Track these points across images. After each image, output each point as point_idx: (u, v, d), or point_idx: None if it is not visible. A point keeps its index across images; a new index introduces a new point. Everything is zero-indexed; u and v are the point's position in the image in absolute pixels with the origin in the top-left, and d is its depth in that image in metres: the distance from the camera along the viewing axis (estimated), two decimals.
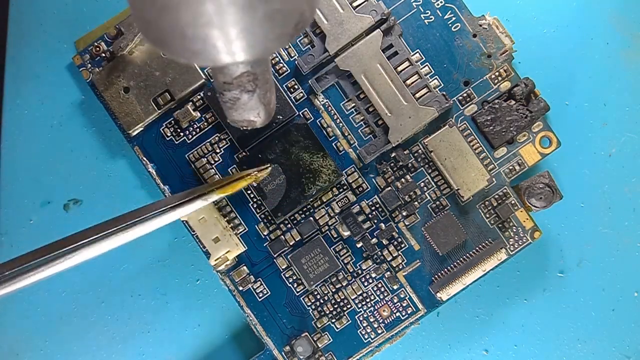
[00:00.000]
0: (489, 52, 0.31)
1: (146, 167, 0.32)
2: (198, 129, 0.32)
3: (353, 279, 0.31)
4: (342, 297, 0.32)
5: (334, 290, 0.32)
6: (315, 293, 0.32)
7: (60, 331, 0.34)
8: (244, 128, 0.27)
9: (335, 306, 0.32)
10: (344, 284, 0.31)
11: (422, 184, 0.31)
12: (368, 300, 0.31)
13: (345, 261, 0.31)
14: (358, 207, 0.31)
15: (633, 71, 0.33)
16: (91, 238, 0.23)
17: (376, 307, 0.31)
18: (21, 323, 0.34)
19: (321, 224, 0.31)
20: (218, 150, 0.32)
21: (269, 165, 0.30)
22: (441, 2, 0.31)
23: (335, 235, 0.32)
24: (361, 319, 0.31)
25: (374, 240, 0.31)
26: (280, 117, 0.31)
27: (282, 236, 0.31)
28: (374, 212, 0.31)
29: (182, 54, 0.17)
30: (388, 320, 0.31)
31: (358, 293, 0.31)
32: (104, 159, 0.34)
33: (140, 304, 0.34)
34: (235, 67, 0.21)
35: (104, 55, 0.32)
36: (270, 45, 0.17)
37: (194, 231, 0.31)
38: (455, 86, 0.31)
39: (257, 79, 0.22)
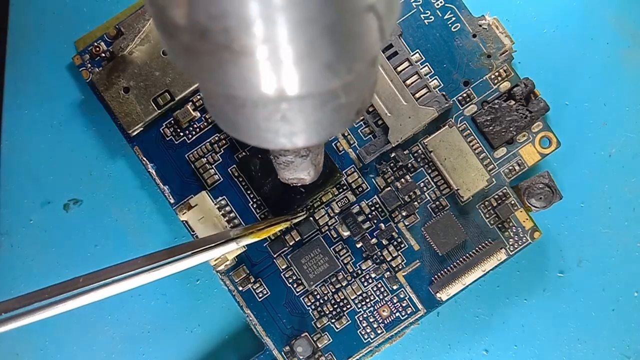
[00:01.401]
0: (489, 52, 0.31)
1: (146, 167, 0.32)
2: (198, 129, 0.32)
3: (353, 279, 0.31)
4: (342, 297, 0.32)
5: (333, 290, 0.32)
6: (315, 293, 0.32)
7: (60, 331, 0.34)
8: (294, 184, 0.29)
9: (335, 306, 0.32)
10: (344, 284, 0.31)
11: (422, 184, 0.31)
12: (368, 300, 0.31)
13: (345, 261, 0.31)
14: (358, 207, 0.31)
15: (633, 71, 0.33)
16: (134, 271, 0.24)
17: (376, 307, 0.31)
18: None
19: (321, 224, 0.31)
20: (218, 150, 0.32)
21: (304, 213, 0.31)
22: (441, 2, 0.31)
23: (335, 236, 0.32)
24: (361, 319, 0.31)
25: (374, 241, 0.31)
26: None
27: (282, 236, 0.31)
28: (373, 212, 0.31)
29: (254, 141, 0.18)
30: (388, 321, 0.31)
31: (358, 293, 0.31)
32: (104, 159, 0.34)
33: (140, 304, 0.34)
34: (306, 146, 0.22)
35: (104, 55, 0.32)
36: (334, 132, 0.18)
37: (193, 231, 0.31)
38: (455, 86, 0.31)
39: (312, 146, 0.23)
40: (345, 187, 0.31)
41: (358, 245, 0.31)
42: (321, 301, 0.32)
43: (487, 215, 0.31)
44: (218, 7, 0.13)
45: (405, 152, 0.31)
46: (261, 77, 0.14)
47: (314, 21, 0.13)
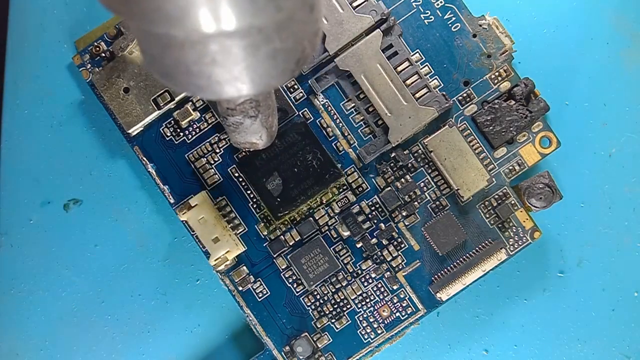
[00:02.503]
0: (489, 52, 0.31)
1: (146, 167, 0.32)
2: (198, 129, 0.32)
3: (353, 279, 0.31)
4: (342, 297, 0.32)
5: (333, 290, 0.32)
6: (315, 293, 0.32)
7: (60, 331, 0.34)
8: (246, 149, 0.27)
9: (335, 306, 0.32)
10: (344, 284, 0.31)
11: (422, 184, 0.31)
12: (368, 300, 0.31)
13: (345, 261, 0.31)
14: (358, 207, 0.31)
15: (633, 71, 0.33)
16: None
17: (376, 307, 0.31)
18: (21, 323, 0.34)
19: (321, 224, 0.31)
20: (218, 150, 0.32)
21: None
22: (441, 2, 0.31)
23: (335, 236, 0.32)
24: (361, 319, 0.31)
25: (374, 241, 0.31)
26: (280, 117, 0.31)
27: (282, 236, 0.32)
28: (373, 212, 0.31)
29: (187, 89, 0.18)
30: (388, 321, 0.31)
31: (358, 293, 0.31)
32: (104, 159, 0.34)
33: (140, 304, 0.34)
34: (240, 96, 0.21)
35: (104, 55, 0.32)
36: (272, 82, 0.18)
37: (193, 231, 0.31)
38: (455, 86, 0.31)
39: (260, 105, 0.22)
40: (345, 187, 0.31)
41: (358, 245, 0.31)
42: (321, 301, 0.32)
43: (487, 215, 0.31)
44: None
45: (405, 152, 0.31)
46: (180, 10, 0.14)
47: None
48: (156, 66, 0.18)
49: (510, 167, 0.31)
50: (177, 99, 0.31)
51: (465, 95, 0.31)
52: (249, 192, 0.32)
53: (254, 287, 0.32)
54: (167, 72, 0.17)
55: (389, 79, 0.30)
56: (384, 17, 0.30)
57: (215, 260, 0.31)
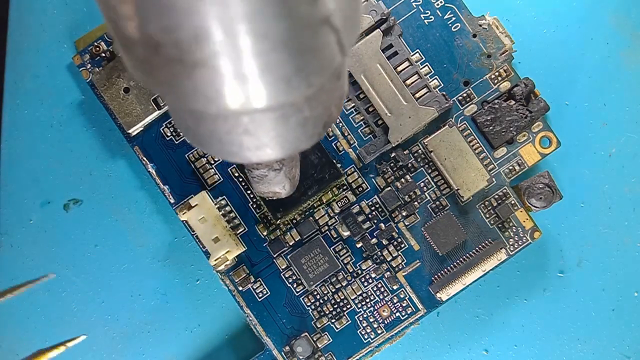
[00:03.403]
0: (489, 52, 0.31)
1: (146, 167, 0.32)
2: None
3: (353, 279, 0.31)
4: (342, 297, 0.32)
5: (333, 290, 0.32)
6: (315, 293, 0.32)
7: (60, 331, 0.34)
8: (269, 198, 0.28)
9: (335, 306, 0.32)
10: (344, 284, 0.31)
11: (422, 184, 0.31)
12: (368, 300, 0.31)
13: (345, 261, 0.31)
14: (358, 207, 0.31)
15: (633, 71, 0.33)
16: None
17: (376, 307, 0.31)
18: (21, 323, 0.34)
19: (321, 224, 0.31)
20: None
21: (84, 336, 0.30)
22: (441, 2, 0.31)
23: (335, 236, 0.32)
24: (361, 319, 0.31)
25: (374, 241, 0.31)
26: None
27: (282, 236, 0.31)
28: (373, 212, 0.31)
29: (219, 155, 0.18)
30: (388, 321, 0.31)
31: (358, 293, 0.31)
32: (104, 159, 0.34)
33: (140, 304, 0.34)
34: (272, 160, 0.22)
35: (104, 55, 0.32)
36: (301, 146, 0.18)
37: (193, 231, 0.31)
38: (455, 86, 0.31)
39: (284, 160, 0.23)
40: (345, 187, 0.31)
41: (358, 245, 0.31)
42: (321, 301, 0.32)
43: (487, 215, 0.31)
44: (167, 20, 0.13)
45: (405, 152, 0.31)
46: (216, 90, 0.14)
47: (265, 35, 0.13)
48: (190, 135, 0.18)
49: (510, 167, 0.31)
50: None
51: (465, 95, 0.31)
52: (249, 192, 0.32)
53: (254, 287, 0.32)
54: (200, 140, 0.18)
55: (389, 79, 0.30)
56: (384, 17, 0.30)
57: (215, 260, 0.31)
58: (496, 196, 0.31)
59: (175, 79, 0.14)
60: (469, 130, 0.31)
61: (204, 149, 0.18)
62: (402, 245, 0.31)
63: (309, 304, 0.32)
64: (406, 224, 0.31)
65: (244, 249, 0.31)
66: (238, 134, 0.17)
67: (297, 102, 0.16)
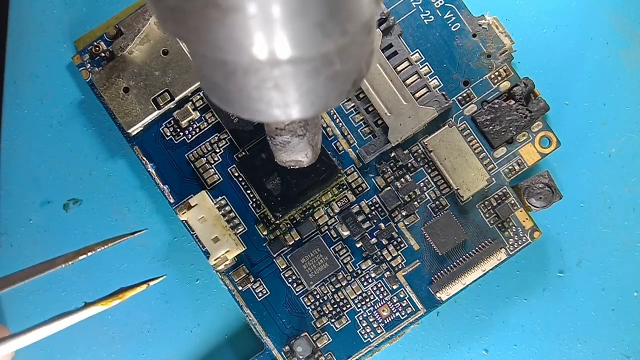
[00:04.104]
0: (489, 52, 0.31)
1: (146, 167, 0.32)
2: (198, 129, 0.32)
3: (353, 279, 0.31)
4: (342, 297, 0.32)
5: (333, 290, 0.32)
6: (315, 293, 0.32)
7: (60, 331, 0.34)
8: (291, 167, 0.28)
9: (335, 306, 0.32)
10: (344, 284, 0.31)
11: (422, 184, 0.31)
12: (368, 300, 0.31)
13: (345, 261, 0.31)
14: (358, 207, 0.31)
15: (633, 71, 0.33)
16: None
17: (376, 307, 0.31)
18: (21, 323, 0.34)
19: (321, 224, 0.31)
20: (218, 150, 0.32)
21: (163, 276, 0.30)
22: (441, 2, 0.31)
23: (335, 236, 0.32)
24: (361, 319, 0.31)
25: (374, 241, 0.31)
26: None
27: (282, 236, 0.31)
28: (373, 212, 0.31)
29: (246, 113, 0.18)
30: (388, 321, 0.31)
31: (358, 293, 0.31)
32: (104, 159, 0.34)
33: (140, 304, 0.34)
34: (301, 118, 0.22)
35: (104, 55, 0.32)
36: (330, 103, 0.18)
37: (193, 231, 0.31)
38: (455, 86, 0.31)
39: (309, 124, 0.22)
40: (345, 187, 0.31)
41: (358, 245, 0.31)
42: (321, 301, 0.32)
43: (487, 215, 0.31)
44: None
45: (405, 152, 0.31)
46: (251, 38, 0.14)
47: None
48: (216, 92, 0.18)
49: (510, 167, 0.31)
50: (177, 99, 0.31)
51: (465, 95, 0.31)
52: (249, 192, 0.32)
53: (254, 287, 0.32)
54: (227, 98, 0.18)
55: (389, 79, 0.30)
56: (384, 17, 0.30)
57: (215, 260, 0.31)
58: (496, 196, 0.31)
59: (207, 26, 0.14)
60: (469, 130, 0.31)
61: (232, 108, 0.18)
62: (402, 245, 0.31)
63: (309, 304, 0.32)
64: (406, 224, 0.31)
65: (244, 249, 0.31)
66: (268, 88, 0.16)
67: (329, 53, 0.16)
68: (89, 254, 0.28)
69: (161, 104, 0.31)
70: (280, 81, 0.16)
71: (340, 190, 0.31)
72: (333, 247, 0.31)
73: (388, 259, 0.31)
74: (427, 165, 0.31)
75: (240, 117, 0.18)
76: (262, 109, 0.17)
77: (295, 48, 0.14)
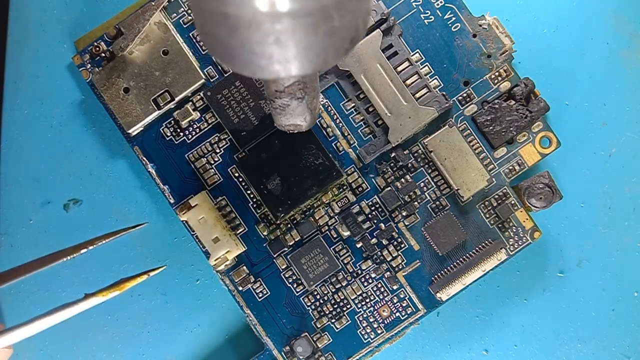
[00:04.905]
0: (489, 52, 0.31)
1: (146, 167, 0.32)
2: (198, 129, 0.32)
3: (353, 279, 0.31)
4: (342, 297, 0.32)
5: (333, 290, 0.32)
6: (315, 293, 0.32)
7: (60, 331, 0.34)
8: (290, 132, 0.28)
9: (335, 306, 0.32)
10: (344, 284, 0.31)
11: (422, 184, 0.31)
12: (368, 300, 0.31)
13: (345, 261, 0.31)
14: (358, 207, 0.31)
15: (633, 71, 0.33)
16: None
17: (376, 307, 0.31)
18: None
19: (321, 224, 0.31)
20: (218, 150, 0.32)
21: (163, 266, 0.31)
22: (441, 2, 0.31)
23: (335, 236, 0.32)
24: (361, 319, 0.31)
25: (374, 241, 0.31)
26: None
27: (282, 236, 0.31)
28: (373, 212, 0.31)
29: (247, 69, 0.18)
30: (388, 321, 0.31)
31: (358, 293, 0.31)
32: (104, 159, 0.34)
33: (140, 304, 0.34)
34: (288, 77, 0.22)
35: (104, 55, 0.32)
36: (329, 60, 0.18)
37: (193, 231, 0.31)
38: (455, 86, 0.31)
39: (307, 87, 0.23)
40: (345, 187, 0.31)
41: (358, 245, 0.31)
42: (321, 301, 0.32)
43: (487, 215, 0.31)
44: None
45: (405, 152, 0.31)
46: None
47: None
48: (219, 48, 0.18)
49: (510, 167, 0.31)
50: (177, 99, 0.31)
51: (465, 95, 0.31)
52: (249, 192, 0.32)
53: (254, 287, 0.32)
54: (229, 53, 0.18)
55: (389, 79, 0.30)
56: (384, 17, 0.30)
57: (215, 260, 0.31)
58: (496, 196, 0.31)
59: None
60: (469, 130, 0.31)
61: (233, 64, 0.18)
62: (402, 245, 0.31)
63: (309, 304, 0.32)
64: (406, 224, 0.31)
65: (244, 249, 0.31)
66: (269, 43, 0.17)
67: (327, 7, 0.16)
68: (90, 247, 0.28)
69: (161, 104, 0.31)
70: (281, 35, 0.16)
71: (340, 190, 0.31)
72: (333, 247, 0.31)
73: (388, 259, 0.31)
74: (427, 165, 0.31)
75: (241, 73, 0.19)
76: (263, 64, 0.18)
77: (294, 0, 0.15)
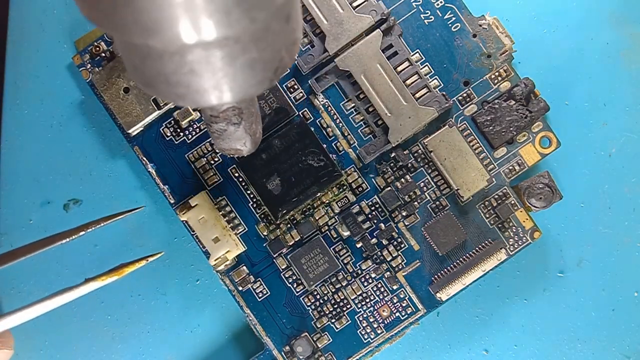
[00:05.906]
0: (489, 52, 0.31)
1: (146, 167, 0.32)
2: (198, 129, 0.32)
3: (353, 279, 0.31)
4: (342, 297, 0.32)
5: (333, 290, 0.32)
6: (315, 293, 0.32)
7: (60, 331, 0.34)
8: (231, 156, 0.28)
9: (335, 306, 0.32)
10: (344, 284, 0.31)
11: (422, 184, 0.31)
12: (368, 300, 0.31)
13: (345, 261, 0.31)
14: (358, 207, 0.31)
15: (633, 71, 0.33)
16: None
17: (376, 307, 0.31)
18: (21, 323, 0.34)
19: (321, 224, 0.31)
20: (218, 150, 0.32)
21: (160, 252, 0.31)
22: (441, 2, 0.31)
23: (335, 236, 0.32)
24: (361, 319, 0.31)
25: (374, 241, 0.31)
26: (281, 117, 0.31)
27: (282, 236, 0.31)
28: (373, 212, 0.31)
29: (168, 97, 0.18)
30: (388, 321, 0.31)
31: (358, 293, 0.31)
32: (104, 159, 0.34)
33: (140, 304, 0.34)
34: (220, 105, 0.22)
35: (104, 55, 0.32)
36: (251, 90, 0.18)
37: (193, 231, 0.31)
38: (455, 86, 0.31)
39: (242, 113, 0.23)
40: (345, 187, 0.31)
41: (358, 245, 0.31)
42: (321, 301, 0.32)
43: (487, 215, 0.31)
44: None
45: (405, 152, 0.31)
46: (155, 20, 0.14)
47: None
48: (138, 76, 0.18)
49: (510, 167, 0.31)
50: None
51: (465, 95, 0.31)
52: (249, 192, 0.32)
53: (254, 287, 0.32)
54: (148, 81, 0.18)
55: (389, 79, 0.30)
56: (384, 17, 0.30)
57: (215, 260, 0.31)
58: (496, 196, 0.31)
59: (114, 9, 0.14)
60: (469, 130, 0.31)
61: (154, 91, 0.18)
62: (402, 245, 0.31)
63: (309, 304, 0.32)
64: (406, 224, 0.31)
65: (244, 249, 0.31)
66: (184, 73, 0.16)
67: (242, 39, 0.16)
68: (88, 230, 0.28)
69: (161, 104, 0.31)
70: (196, 66, 0.16)
71: (340, 190, 0.31)
72: (333, 247, 0.31)
73: (388, 259, 0.31)
74: (427, 165, 0.31)
75: (165, 100, 0.19)
76: (182, 93, 0.17)
77: (204, 32, 0.14)
